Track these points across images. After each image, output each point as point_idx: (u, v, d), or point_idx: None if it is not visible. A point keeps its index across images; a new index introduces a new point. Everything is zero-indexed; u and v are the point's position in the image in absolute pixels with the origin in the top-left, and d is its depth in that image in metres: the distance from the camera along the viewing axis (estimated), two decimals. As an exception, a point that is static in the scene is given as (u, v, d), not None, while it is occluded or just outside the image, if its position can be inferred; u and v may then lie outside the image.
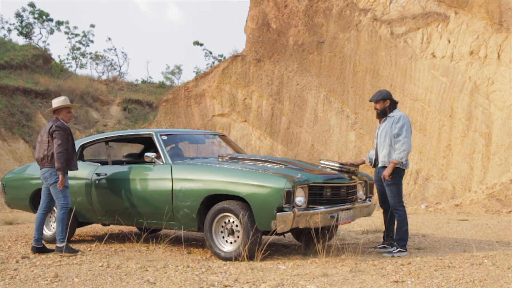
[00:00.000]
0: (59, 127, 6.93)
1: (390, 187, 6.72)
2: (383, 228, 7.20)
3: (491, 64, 15.32)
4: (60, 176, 6.83)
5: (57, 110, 7.13)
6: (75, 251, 6.87)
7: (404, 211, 6.77)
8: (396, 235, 6.79)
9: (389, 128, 6.77)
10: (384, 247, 6.96)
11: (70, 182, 7.80)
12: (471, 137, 15.45)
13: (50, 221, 8.05)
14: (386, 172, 6.65)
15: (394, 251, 6.62)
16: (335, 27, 19.41)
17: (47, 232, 7.98)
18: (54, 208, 7.72)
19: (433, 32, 16.92)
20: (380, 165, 6.87)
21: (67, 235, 6.93)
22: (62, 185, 6.86)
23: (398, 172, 6.73)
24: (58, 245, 6.84)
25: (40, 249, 6.92)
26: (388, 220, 7.00)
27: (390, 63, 17.74)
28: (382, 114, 6.91)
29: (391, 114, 6.86)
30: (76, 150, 8.07)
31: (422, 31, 17.15)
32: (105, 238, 7.87)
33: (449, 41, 16.42)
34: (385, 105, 6.89)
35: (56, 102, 7.13)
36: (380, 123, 6.99)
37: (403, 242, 6.67)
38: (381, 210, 7.16)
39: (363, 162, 7.35)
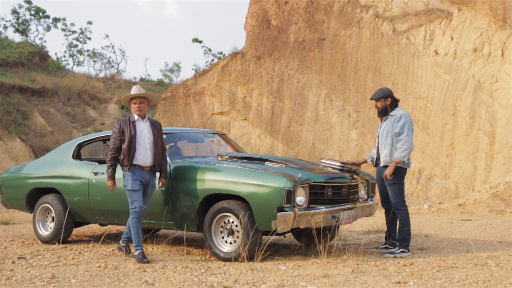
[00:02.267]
0: (115, 123, 6.53)
1: (391, 186, 6.72)
2: (385, 228, 7.19)
3: (495, 61, 15.32)
4: (108, 181, 6.52)
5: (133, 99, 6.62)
6: (146, 260, 6.25)
7: (406, 211, 6.77)
8: (398, 235, 6.78)
9: (390, 127, 6.76)
10: (386, 248, 6.95)
11: (68, 181, 7.81)
12: (475, 135, 15.45)
13: (46, 221, 8.04)
14: (388, 172, 6.65)
15: (396, 252, 6.62)
16: (337, 24, 19.40)
17: (43, 232, 7.98)
18: (50, 208, 7.73)
19: (436, 29, 16.91)
20: (381, 164, 6.86)
21: (141, 240, 6.44)
22: (111, 187, 6.50)
23: (400, 171, 6.72)
24: (135, 253, 6.36)
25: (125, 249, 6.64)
26: (390, 220, 7.00)
27: (392, 61, 17.73)
28: (383, 113, 6.91)
29: (392, 113, 6.85)
30: (73, 149, 8.08)
31: (425, 28, 17.15)
32: (103, 238, 7.87)
33: (452, 38, 16.41)
34: (386, 103, 6.88)
35: (132, 91, 6.63)
36: (381, 121, 6.98)
37: (405, 243, 6.67)
38: (383, 210, 7.16)
39: (365, 161, 7.34)
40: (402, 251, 6.61)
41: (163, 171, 6.57)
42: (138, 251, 6.29)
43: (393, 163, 6.63)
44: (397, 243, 6.71)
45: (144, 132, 6.51)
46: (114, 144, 6.45)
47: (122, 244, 6.68)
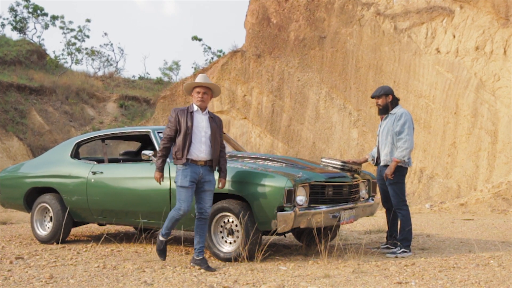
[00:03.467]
0: (172, 111, 6.07)
1: (392, 186, 6.72)
2: (386, 228, 7.19)
3: (497, 59, 15.31)
4: (156, 172, 6.02)
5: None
6: (162, 255, 6.19)
7: (407, 210, 6.77)
8: (399, 235, 6.78)
9: (390, 125, 6.76)
10: (387, 248, 6.95)
11: (66, 181, 7.80)
12: (477, 134, 15.44)
13: (44, 221, 8.04)
14: (388, 171, 6.64)
15: (397, 252, 6.62)
16: (337, 22, 19.39)
17: (41, 232, 7.98)
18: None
19: (438, 27, 16.91)
20: (382, 163, 6.86)
21: (170, 233, 6.15)
22: (157, 179, 5.98)
23: (401, 170, 6.72)
24: (159, 237, 6.14)
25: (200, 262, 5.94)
26: (391, 219, 7.00)
27: (393, 59, 17.73)
28: (384, 110, 6.90)
29: (392, 111, 6.85)
30: (72, 148, 8.08)
31: (427, 26, 17.14)
32: (102, 239, 7.87)
33: (454, 36, 16.41)
34: (387, 100, 6.87)
35: (197, 79, 6.17)
36: (381, 120, 6.98)
37: (406, 243, 6.67)
38: (384, 210, 7.16)
39: (366, 160, 7.34)
40: (403, 251, 6.61)
41: (222, 171, 6.13)
42: (165, 239, 6.11)
43: (394, 163, 6.63)
44: (399, 243, 6.71)
45: (202, 125, 6.03)
46: (168, 133, 5.99)
47: (198, 258, 5.94)
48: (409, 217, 6.75)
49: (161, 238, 6.10)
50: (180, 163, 5.88)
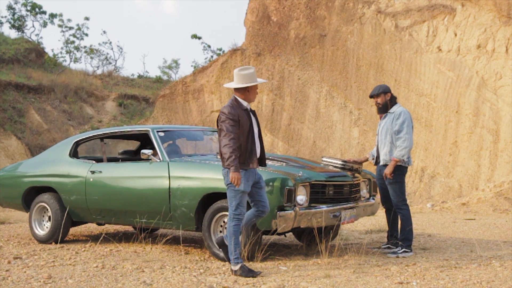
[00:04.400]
0: (224, 113, 5.48)
1: (392, 185, 6.71)
2: (387, 228, 7.19)
3: (499, 58, 15.30)
4: (230, 174, 5.31)
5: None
6: (254, 273, 5.41)
7: (408, 210, 6.76)
8: (400, 235, 6.77)
9: (389, 124, 6.75)
10: (388, 247, 6.95)
11: (65, 180, 7.80)
12: (479, 133, 15.44)
13: (43, 220, 8.04)
14: (388, 171, 6.63)
15: (398, 252, 6.61)
16: (338, 20, 19.38)
17: (40, 231, 7.98)
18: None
19: (439, 25, 16.90)
20: (381, 163, 6.85)
21: (242, 253, 5.67)
22: (238, 182, 5.31)
23: (400, 169, 6.70)
24: (232, 267, 5.50)
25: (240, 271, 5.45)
26: (391, 219, 6.99)
27: (394, 57, 17.72)
28: (384, 109, 6.88)
29: (391, 110, 6.83)
30: (70, 147, 8.07)
31: (428, 24, 17.14)
32: (100, 238, 7.87)
33: (456, 35, 16.40)
34: (386, 98, 6.85)
35: (239, 77, 5.60)
36: (380, 119, 6.97)
37: (407, 242, 6.67)
38: (384, 209, 7.16)
39: (366, 160, 7.33)
40: (404, 251, 6.60)
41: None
42: (240, 264, 5.44)
43: (393, 162, 6.62)
44: (400, 243, 6.70)
45: (254, 123, 5.66)
46: (236, 131, 5.42)
47: (235, 267, 5.49)
48: (410, 216, 6.74)
49: (236, 268, 5.45)
50: (243, 168, 5.44)
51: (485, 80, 15.49)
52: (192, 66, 38.50)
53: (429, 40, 17.02)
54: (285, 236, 7.92)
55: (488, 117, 15.31)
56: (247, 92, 5.62)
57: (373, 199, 7.28)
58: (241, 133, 5.46)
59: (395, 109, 6.82)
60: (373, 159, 7.19)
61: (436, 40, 16.87)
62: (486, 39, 15.68)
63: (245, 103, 5.60)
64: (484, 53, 15.64)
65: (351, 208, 6.60)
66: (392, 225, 7.02)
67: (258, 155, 5.62)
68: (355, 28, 18.86)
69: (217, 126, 5.58)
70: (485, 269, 5.65)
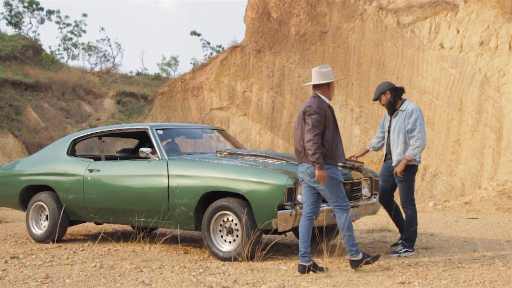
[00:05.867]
0: (313, 107, 5.59)
1: (402, 183, 6.67)
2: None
3: (502, 55, 15.29)
4: (317, 171, 5.43)
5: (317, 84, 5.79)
6: (374, 258, 5.66)
7: (415, 210, 6.70)
8: (403, 235, 6.75)
9: (401, 123, 6.64)
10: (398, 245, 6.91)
11: (62, 179, 7.80)
12: (481, 131, 15.44)
13: (40, 219, 8.04)
14: (398, 169, 6.55)
15: (400, 251, 6.60)
16: (339, 17, 19.37)
17: (37, 231, 7.97)
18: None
19: (442, 22, 16.89)
20: (394, 163, 6.75)
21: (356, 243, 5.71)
22: (324, 180, 5.47)
23: (411, 168, 6.63)
24: (354, 258, 5.62)
25: (308, 268, 5.56)
26: (394, 215, 6.96)
27: (396, 54, 17.71)
28: (391, 107, 6.79)
29: (402, 108, 6.72)
30: (68, 145, 8.07)
31: (430, 20, 17.12)
32: (99, 238, 7.87)
33: (458, 31, 16.39)
34: (388, 97, 6.78)
35: (319, 75, 5.75)
36: (391, 117, 6.88)
37: (410, 242, 6.65)
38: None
39: (367, 151, 7.31)
40: (406, 251, 6.59)
41: None
42: (361, 254, 5.64)
43: (404, 160, 6.54)
44: (403, 241, 6.68)
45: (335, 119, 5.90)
46: (319, 128, 5.56)
47: (356, 258, 5.64)
48: (416, 217, 6.69)
49: (358, 257, 5.61)
50: (330, 163, 5.58)
51: (488, 78, 15.48)
52: (191, 63, 38.51)
53: (431, 37, 17.00)
54: (286, 235, 7.92)
55: (491, 115, 15.30)
56: (327, 89, 5.80)
57: (375, 198, 7.27)
58: (327, 129, 5.62)
59: (405, 106, 6.71)
60: (374, 149, 7.21)
61: (439, 37, 16.85)
62: (489, 36, 15.67)
63: (327, 100, 5.77)
64: (487, 50, 15.63)
65: (352, 207, 6.59)
66: (398, 221, 6.98)
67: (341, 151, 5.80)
68: (357, 25, 18.85)
69: (303, 119, 5.65)
70: (488, 268, 5.65)
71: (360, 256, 5.60)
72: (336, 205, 5.62)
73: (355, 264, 5.61)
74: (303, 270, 5.54)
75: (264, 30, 21.22)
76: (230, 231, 6.30)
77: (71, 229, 9.09)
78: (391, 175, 6.78)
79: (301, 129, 5.67)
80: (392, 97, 6.75)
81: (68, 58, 35.50)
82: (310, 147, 5.46)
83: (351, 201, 6.67)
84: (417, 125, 6.55)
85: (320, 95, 5.75)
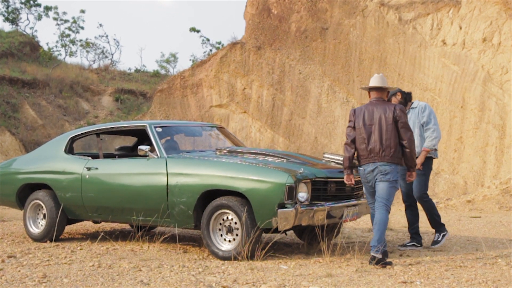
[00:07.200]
0: (402, 110, 6.01)
1: (419, 177, 6.82)
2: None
3: (505, 51, 15.28)
4: (410, 173, 6.12)
5: (376, 90, 6.17)
6: (387, 263, 5.80)
7: (431, 201, 7.00)
8: (433, 225, 7.04)
9: (415, 118, 6.91)
10: (413, 245, 7.02)
11: (60, 177, 7.80)
12: (484, 129, 15.43)
13: (37, 218, 8.03)
14: (419, 161, 6.72)
15: (408, 244, 6.92)
16: (340, 13, 19.34)
17: (34, 229, 7.97)
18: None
19: (444, 18, 16.87)
20: None
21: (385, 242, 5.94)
22: (414, 177, 6.18)
23: (429, 162, 6.90)
24: (375, 255, 5.77)
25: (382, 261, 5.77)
26: (412, 217, 7.07)
27: (398, 51, 17.70)
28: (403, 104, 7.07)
29: (413, 105, 7.01)
30: (66, 143, 8.07)
31: (432, 17, 17.10)
32: (99, 237, 7.87)
33: (461, 28, 16.37)
34: (398, 98, 7.02)
35: (382, 80, 6.18)
36: None
37: (440, 227, 6.98)
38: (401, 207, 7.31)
39: None
40: (413, 245, 6.92)
41: None
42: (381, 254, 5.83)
43: (424, 152, 6.78)
44: (435, 232, 7.05)
45: None
46: None
47: (377, 254, 5.81)
48: (434, 204, 7.02)
49: (378, 255, 5.75)
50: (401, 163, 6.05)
51: (491, 75, 15.47)
52: (190, 60, 38.49)
53: (434, 34, 16.99)
54: (286, 234, 7.92)
55: (493, 112, 15.29)
56: (385, 95, 6.25)
57: (376, 196, 7.27)
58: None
59: (416, 104, 7.03)
60: None
61: (441, 34, 16.83)
62: (492, 32, 15.65)
63: None
64: (490, 46, 15.62)
65: (353, 205, 6.60)
66: (414, 222, 7.09)
67: None
68: (358, 21, 18.83)
69: (393, 119, 5.92)
70: (491, 268, 5.65)
71: (380, 256, 5.74)
72: (385, 203, 5.89)
73: (375, 261, 5.75)
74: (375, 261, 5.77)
75: (264, 26, 21.19)
76: (229, 230, 6.30)
77: (69, 228, 9.09)
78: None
79: (385, 129, 5.92)
80: (403, 98, 7.03)
81: (66, 55, 35.51)
82: (414, 148, 6.00)
83: (352, 200, 6.68)
84: (431, 118, 6.86)
85: (384, 99, 6.19)
